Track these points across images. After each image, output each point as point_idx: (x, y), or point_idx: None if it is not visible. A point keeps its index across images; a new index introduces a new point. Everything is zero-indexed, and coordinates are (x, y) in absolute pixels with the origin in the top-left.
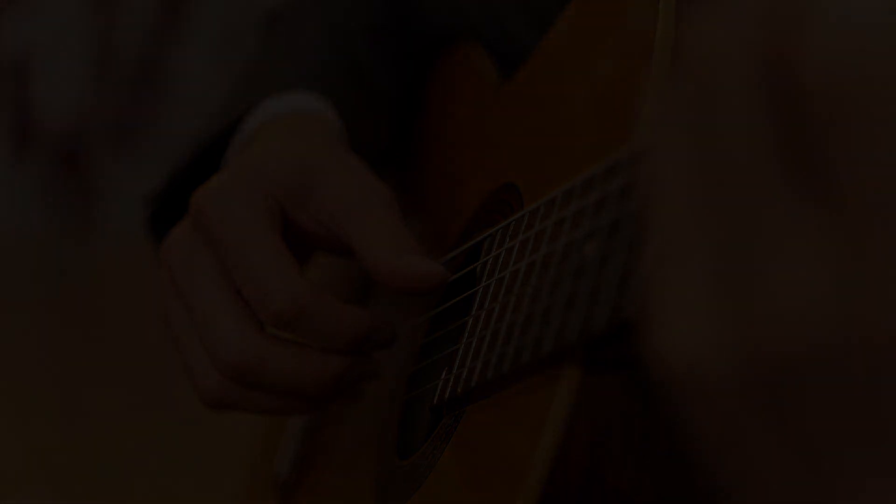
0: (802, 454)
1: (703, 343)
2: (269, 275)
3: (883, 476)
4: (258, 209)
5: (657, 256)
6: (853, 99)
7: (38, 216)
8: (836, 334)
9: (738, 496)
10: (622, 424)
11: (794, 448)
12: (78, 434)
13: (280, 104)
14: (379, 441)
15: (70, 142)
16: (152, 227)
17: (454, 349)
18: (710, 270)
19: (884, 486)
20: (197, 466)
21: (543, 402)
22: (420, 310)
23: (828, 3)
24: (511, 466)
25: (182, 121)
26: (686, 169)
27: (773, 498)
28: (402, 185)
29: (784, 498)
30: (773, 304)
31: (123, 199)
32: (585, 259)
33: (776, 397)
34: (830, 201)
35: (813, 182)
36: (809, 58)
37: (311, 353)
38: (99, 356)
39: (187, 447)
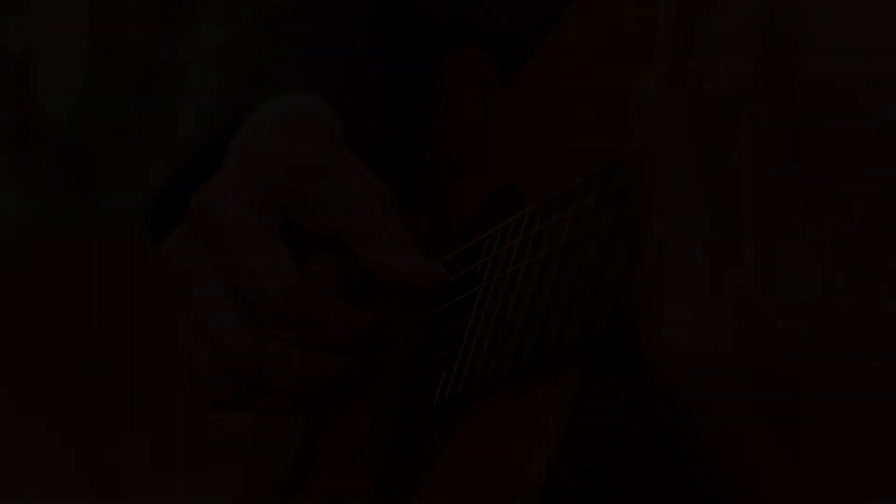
0: (800, 453)
1: (701, 342)
2: (269, 275)
3: (879, 476)
4: (258, 209)
5: (656, 256)
6: (853, 93)
7: (39, 216)
8: (833, 332)
9: (736, 495)
10: (622, 425)
11: (791, 447)
12: (77, 434)
13: (280, 105)
14: (379, 441)
15: (71, 142)
16: (153, 226)
17: (454, 349)
18: (707, 270)
19: (880, 487)
20: (197, 466)
21: (544, 402)
22: (420, 310)
23: (827, 1)
24: (511, 467)
25: (182, 121)
26: (685, 169)
27: (771, 497)
28: (403, 185)
29: (782, 497)
30: (771, 304)
31: (124, 199)
32: (586, 259)
33: (773, 395)
34: (829, 200)
35: (811, 182)
36: (809, 52)
37: (311, 353)
38: (98, 356)
39: (187, 447)
